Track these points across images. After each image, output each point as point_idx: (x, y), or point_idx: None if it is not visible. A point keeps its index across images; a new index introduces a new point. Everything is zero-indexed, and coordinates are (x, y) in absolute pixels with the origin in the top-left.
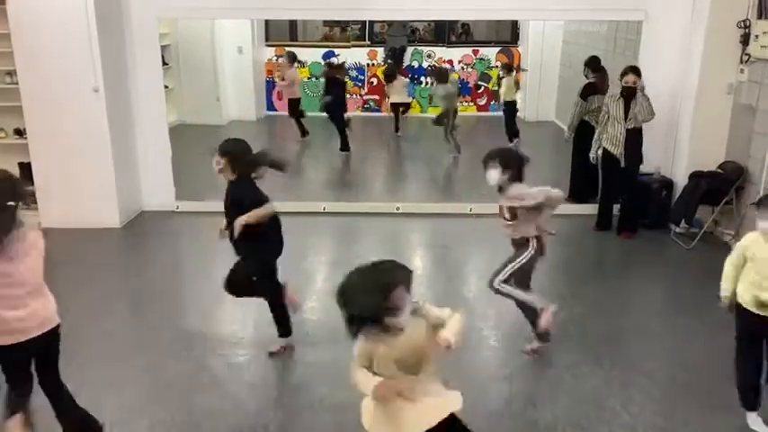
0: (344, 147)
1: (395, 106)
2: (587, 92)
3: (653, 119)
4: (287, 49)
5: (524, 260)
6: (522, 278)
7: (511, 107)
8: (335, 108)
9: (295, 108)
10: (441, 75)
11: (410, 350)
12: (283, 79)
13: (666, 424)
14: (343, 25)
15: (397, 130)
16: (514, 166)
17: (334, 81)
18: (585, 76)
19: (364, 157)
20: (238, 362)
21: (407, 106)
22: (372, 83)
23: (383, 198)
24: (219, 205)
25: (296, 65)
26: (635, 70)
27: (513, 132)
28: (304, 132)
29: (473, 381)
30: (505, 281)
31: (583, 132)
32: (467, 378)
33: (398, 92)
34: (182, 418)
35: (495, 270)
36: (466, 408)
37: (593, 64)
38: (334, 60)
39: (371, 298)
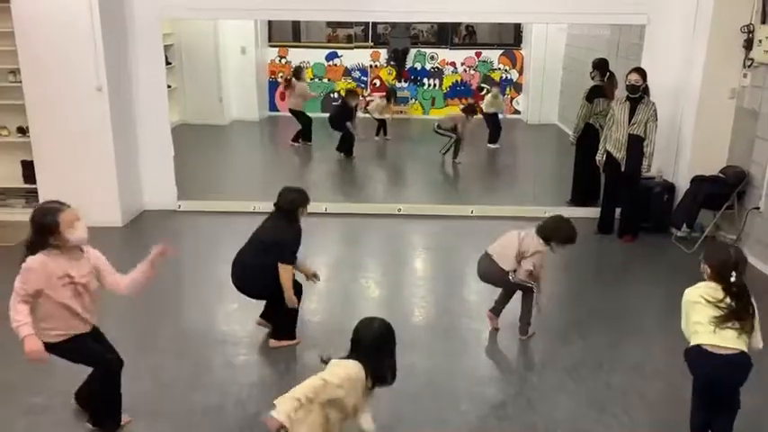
0: (349, 152)
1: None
2: (593, 94)
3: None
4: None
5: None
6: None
7: (494, 118)
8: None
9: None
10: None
11: None
12: None
13: (668, 428)
14: (347, 26)
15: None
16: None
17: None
18: (592, 78)
19: (366, 159)
20: (239, 362)
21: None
22: (375, 84)
23: (385, 199)
24: (220, 205)
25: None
26: (639, 71)
27: (494, 139)
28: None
29: (472, 383)
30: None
31: (586, 135)
32: (466, 380)
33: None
34: (182, 418)
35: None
36: (465, 410)
37: (602, 67)
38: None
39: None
